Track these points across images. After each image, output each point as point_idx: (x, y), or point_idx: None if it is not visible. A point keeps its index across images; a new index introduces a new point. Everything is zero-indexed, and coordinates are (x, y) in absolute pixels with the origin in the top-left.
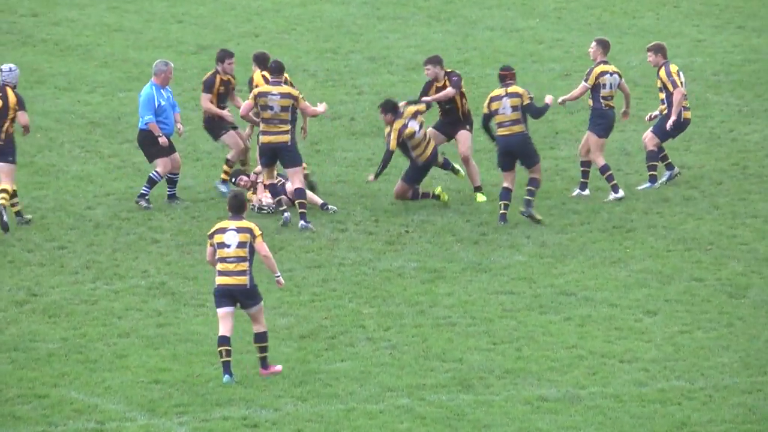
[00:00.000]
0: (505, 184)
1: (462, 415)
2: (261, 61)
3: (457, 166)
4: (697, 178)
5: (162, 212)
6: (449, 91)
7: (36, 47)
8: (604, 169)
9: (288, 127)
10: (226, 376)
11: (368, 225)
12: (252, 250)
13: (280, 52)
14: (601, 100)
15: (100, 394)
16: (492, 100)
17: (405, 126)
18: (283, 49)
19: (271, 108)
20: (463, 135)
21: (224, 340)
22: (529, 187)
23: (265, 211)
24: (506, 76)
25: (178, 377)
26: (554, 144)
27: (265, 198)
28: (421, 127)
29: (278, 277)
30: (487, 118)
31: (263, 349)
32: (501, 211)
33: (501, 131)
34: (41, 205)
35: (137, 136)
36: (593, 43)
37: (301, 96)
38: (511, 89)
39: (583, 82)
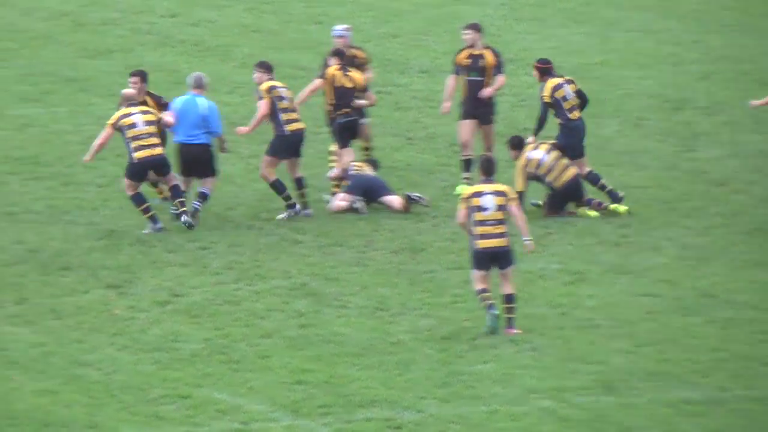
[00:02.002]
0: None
1: (605, 418)
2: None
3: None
4: None
5: None
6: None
7: (175, 48)
8: None
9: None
10: (491, 312)
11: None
12: (506, 212)
13: (418, 53)
14: None
15: (244, 395)
16: (555, 89)
17: (529, 159)
18: (421, 50)
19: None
20: None
21: (484, 290)
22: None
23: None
24: (549, 68)
25: (321, 378)
26: (694, 146)
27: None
28: (548, 152)
29: (528, 240)
30: (551, 106)
31: (511, 310)
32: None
33: (574, 115)
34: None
35: (205, 150)
36: None
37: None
38: (566, 77)
39: None
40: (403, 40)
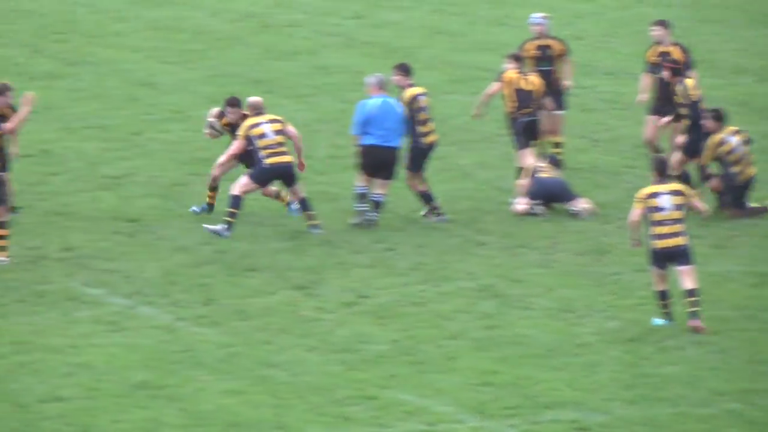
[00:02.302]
0: None
1: None
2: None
3: None
4: None
5: (489, 215)
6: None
7: (359, 50)
8: None
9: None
10: (660, 321)
11: (695, 228)
12: (683, 210)
13: (603, 55)
14: None
15: (430, 396)
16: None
17: (724, 142)
18: (607, 53)
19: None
20: None
21: (664, 294)
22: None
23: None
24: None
25: (508, 380)
26: None
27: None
28: (745, 143)
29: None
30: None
31: (696, 303)
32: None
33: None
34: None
35: (397, 153)
36: None
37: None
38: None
39: None
40: (588, 42)
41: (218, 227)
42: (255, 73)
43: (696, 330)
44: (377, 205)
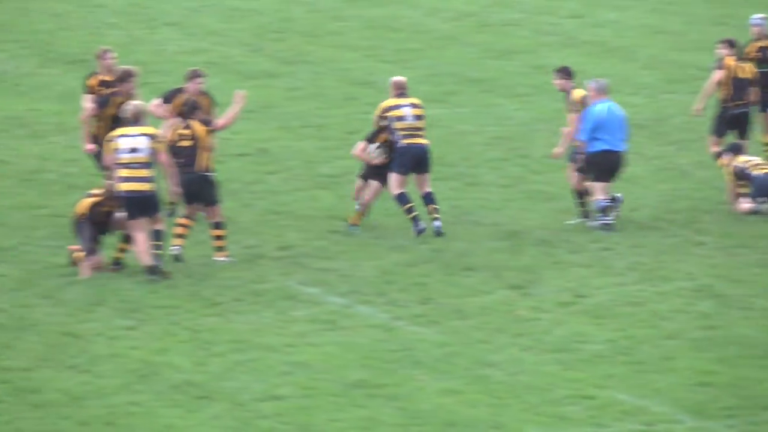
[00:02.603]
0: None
1: None
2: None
3: None
4: None
5: (707, 214)
6: None
7: (578, 48)
8: None
9: None
10: None
11: None
12: None
13: None
14: None
15: (648, 396)
16: None
17: None
18: None
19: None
20: None
21: None
22: None
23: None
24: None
25: (726, 380)
26: None
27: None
28: None
29: None
30: None
31: None
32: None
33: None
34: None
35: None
36: None
37: None
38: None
39: None
40: None
41: (422, 225)
42: (472, 72)
43: None
44: (609, 209)
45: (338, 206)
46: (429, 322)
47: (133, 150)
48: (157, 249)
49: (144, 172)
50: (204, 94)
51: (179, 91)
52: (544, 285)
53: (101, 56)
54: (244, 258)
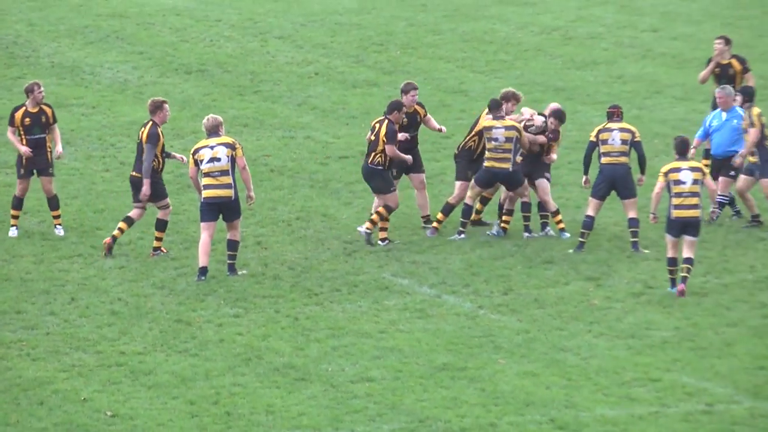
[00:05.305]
0: (591, 213)
1: None
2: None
3: None
4: None
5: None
6: None
7: (654, 60)
8: None
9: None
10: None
11: None
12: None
13: None
14: None
15: (709, 379)
16: (601, 131)
17: None
18: None
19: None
20: None
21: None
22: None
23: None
24: (614, 113)
25: None
26: None
27: None
28: None
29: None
30: (592, 148)
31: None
32: (582, 240)
33: (606, 160)
34: None
35: None
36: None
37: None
38: (621, 125)
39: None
40: None
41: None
42: (557, 82)
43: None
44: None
45: (431, 206)
46: (510, 310)
47: (213, 159)
48: (231, 259)
49: (224, 180)
50: (419, 104)
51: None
52: (617, 277)
53: (31, 90)
54: (343, 252)
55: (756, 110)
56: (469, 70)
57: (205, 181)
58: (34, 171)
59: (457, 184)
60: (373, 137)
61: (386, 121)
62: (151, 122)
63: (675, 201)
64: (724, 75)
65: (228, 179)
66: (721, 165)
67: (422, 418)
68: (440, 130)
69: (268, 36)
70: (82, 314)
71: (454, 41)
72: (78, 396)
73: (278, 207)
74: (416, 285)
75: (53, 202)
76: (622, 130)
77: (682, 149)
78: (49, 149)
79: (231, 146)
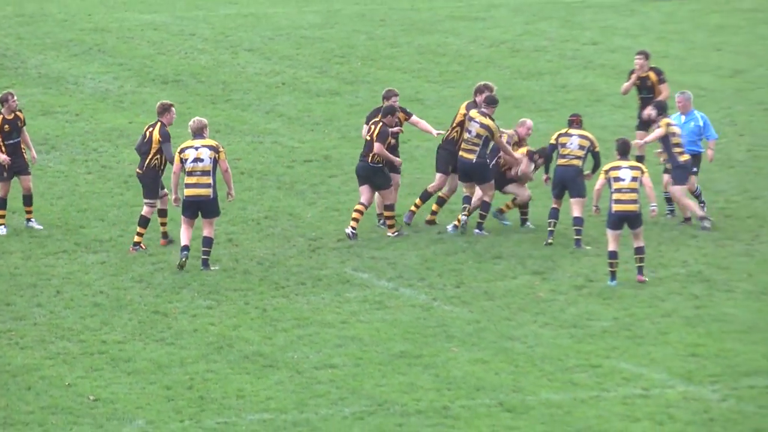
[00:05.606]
0: (555, 206)
1: None
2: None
3: None
4: None
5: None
6: None
7: (594, 70)
8: None
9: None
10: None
11: None
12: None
13: None
14: None
15: (646, 365)
16: (560, 135)
17: None
18: None
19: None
20: None
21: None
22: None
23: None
24: (574, 121)
25: (712, 351)
26: None
27: None
28: None
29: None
30: (552, 150)
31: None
32: (550, 228)
33: (561, 162)
34: None
35: None
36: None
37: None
38: (581, 132)
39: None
40: None
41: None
42: (505, 91)
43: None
44: None
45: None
46: (461, 302)
47: (197, 159)
48: (205, 255)
49: (204, 180)
50: (402, 109)
51: (378, 110)
52: (561, 271)
53: (6, 100)
54: (308, 248)
55: (664, 121)
56: (425, 80)
57: (187, 179)
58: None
59: (438, 175)
60: (368, 138)
61: (381, 123)
62: (159, 123)
63: (615, 196)
64: (643, 86)
65: (208, 179)
66: None
67: (381, 401)
68: (430, 132)
69: (238, 49)
70: (66, 306)
71: (411, 53)
72: (63, 381)
73: (248, 207)
74: (375, 279)
75: (29, 199)
76: (581, 136)
77: (623, 150)
78: (23, 150)
79: (214, 149)
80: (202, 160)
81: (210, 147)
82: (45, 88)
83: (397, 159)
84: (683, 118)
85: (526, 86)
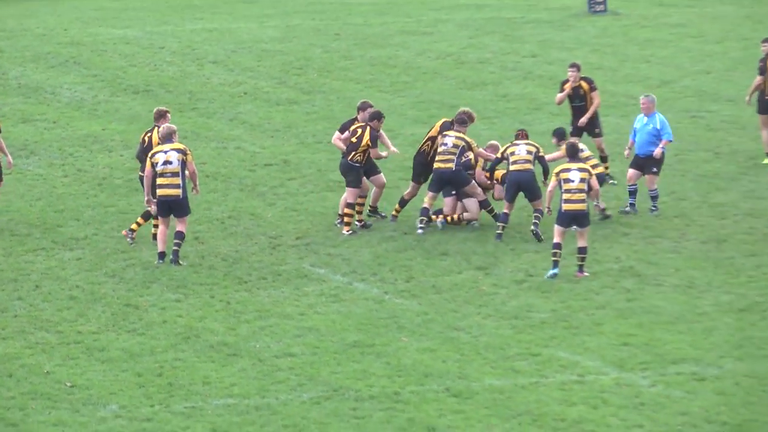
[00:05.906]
0: (506, 210)
1: None
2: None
3: None
4: None
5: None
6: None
7: (534, 81)
8: None
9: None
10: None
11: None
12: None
13: (726, 86)
14: None
15: (581, 353)
16: (507, 147)
17: None
18: (729, 84)
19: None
20: None
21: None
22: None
23: None
24: (520, 135)
25: (642, 341)
26: None
27: None
28: None
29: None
30: (498, 162)
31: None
32: (498, 231)
33: (513, 167)
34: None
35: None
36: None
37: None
38: (527, 142)
39: None
40: (714, 76)
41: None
42: (451, 100)
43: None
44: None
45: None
46: (411, 295)
47: (166, 162)
48: (176, 246)
49: (174, 180)
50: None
51: (352, 120)
52: (503, 267)
53: None
54: (268, 245)
55: (563, 148)
56: (376, 90)
57: (159, 180)
58: None
59: (411, 183)
60: (354, 140)
61: (368, 128)
62: (156, 128)
63: (565, 196)
64: (576, 95)
65: (177, 180)
66: (644, 163)
67: (336, 387)
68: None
69: (203, 61)
70: (45, 299)
71: (363, 65)
72: (42, 369)
73: (213, 207)
74: (331, 274)
75: None
76: (527, 144)
77: (572, 152)
78: None
79: (182, 152)
80: (171, 163)
81: (178, 150)
82: (24, 97)
83: (385, 154)
84: (645, 119)
85: (471, 95)
